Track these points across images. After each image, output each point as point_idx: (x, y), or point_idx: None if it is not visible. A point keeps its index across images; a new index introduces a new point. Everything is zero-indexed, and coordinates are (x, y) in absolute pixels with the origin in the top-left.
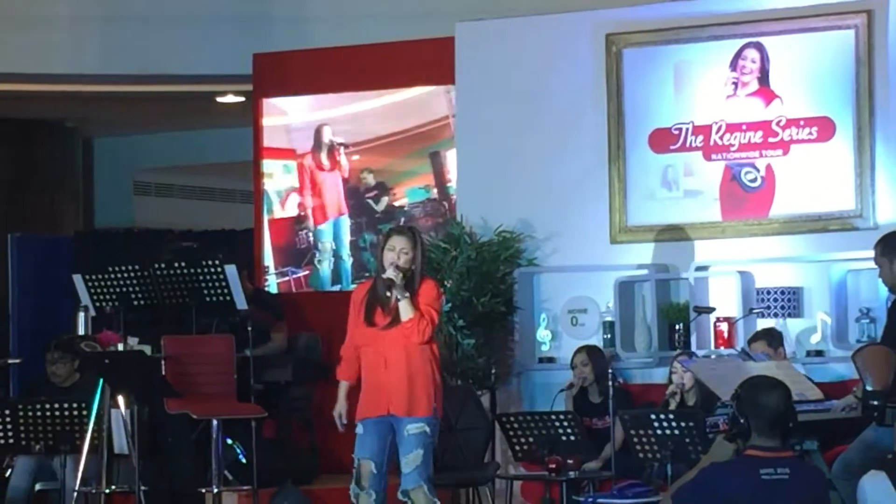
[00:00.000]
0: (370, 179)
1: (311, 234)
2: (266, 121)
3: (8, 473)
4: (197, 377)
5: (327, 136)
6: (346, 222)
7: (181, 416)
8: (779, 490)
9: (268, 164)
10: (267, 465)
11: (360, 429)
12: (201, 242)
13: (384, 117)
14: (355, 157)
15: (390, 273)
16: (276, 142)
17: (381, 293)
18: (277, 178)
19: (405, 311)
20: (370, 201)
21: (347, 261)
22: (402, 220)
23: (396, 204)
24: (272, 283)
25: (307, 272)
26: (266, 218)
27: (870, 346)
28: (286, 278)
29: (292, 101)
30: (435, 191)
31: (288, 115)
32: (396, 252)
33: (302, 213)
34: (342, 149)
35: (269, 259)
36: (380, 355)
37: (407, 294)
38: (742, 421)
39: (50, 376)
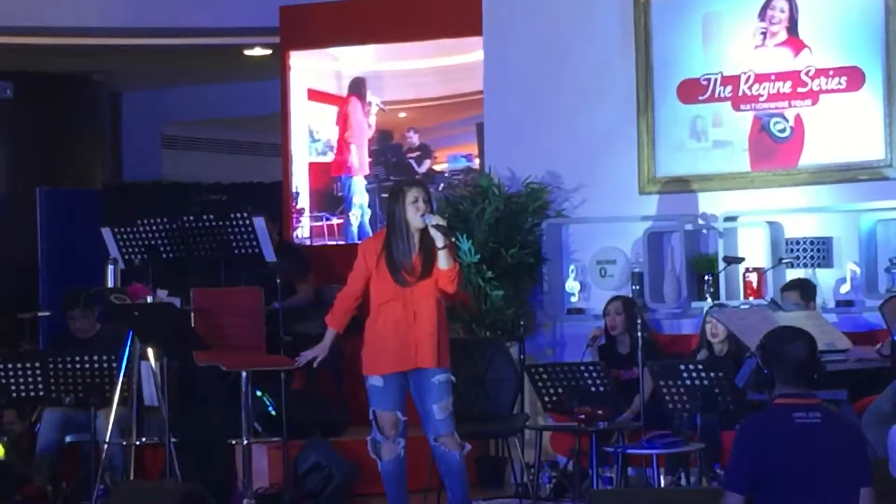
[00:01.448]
0: (415, 139)
1: (344, 185)
2: (317, 63)
3: (37, 427)
4: (226, 329)
5: (368, 92)
6: (362, 182)
7: (211, 368)
8: (814, 433)
9: (315, 107)
10: (296, 416)
11: (378, 381)
12: (229, 195)
13: (437, 79)
14: (402, 115)
15: (437, 219)
16: (326, 87)
17: (404, 249)
18: (322, 121)
19: (446, 259)
20: (412, 161)
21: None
22: (441, 185)
23: (437, 168)
24: (305, 227)
25: (341, 220)
26: (307, 161)
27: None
28: (320, 223)
29: (347, 51)
30: (477, 161)
31: (339, 62)
32: (420, 202)
33: (338, 160)
34: (375, 108)
35: (305, 201)
36: (409, 310)
37: (452, 239)
38: (766, 371)
39: (74, 332)
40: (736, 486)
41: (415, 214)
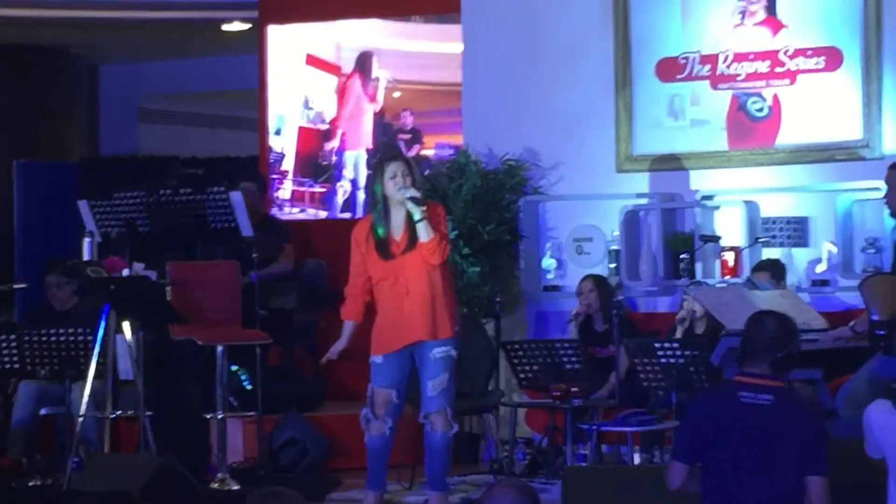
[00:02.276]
0: (408, 122)
1: (335, 155)
2: (315, 28)
3: (13, 398)
4: (202, 303)
5: (375, 67)
6: (363, 157)
7: (186, 342)
8: (761, 414)
9: (312, 73)
10: (272, 391)
11: (378, 359)
12: (206, 169)
13: (438, 65)
14: (396, 94)
15: (412, 192)
16: (324, 54)
17: (384, 224)
18: (316, 87)
19: (425, 231)
20: (402, 143)
21: (361, 192)
22: (426, 171)
23: (423, 153)
24: (287, 189)
25: (323, 189)
26: (297, 124)
27: (877, 275)
28: (302, 188)
29: (349, 24)
30: None
31: (338, 33)
32: (399, 177)
33: (331, 130)
34: (384, 83)
35: (289, 164)
36: (401, 285)
37: (427, 214)
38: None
39: (50, 299)
40: (680, 456)
41: (394, 189)
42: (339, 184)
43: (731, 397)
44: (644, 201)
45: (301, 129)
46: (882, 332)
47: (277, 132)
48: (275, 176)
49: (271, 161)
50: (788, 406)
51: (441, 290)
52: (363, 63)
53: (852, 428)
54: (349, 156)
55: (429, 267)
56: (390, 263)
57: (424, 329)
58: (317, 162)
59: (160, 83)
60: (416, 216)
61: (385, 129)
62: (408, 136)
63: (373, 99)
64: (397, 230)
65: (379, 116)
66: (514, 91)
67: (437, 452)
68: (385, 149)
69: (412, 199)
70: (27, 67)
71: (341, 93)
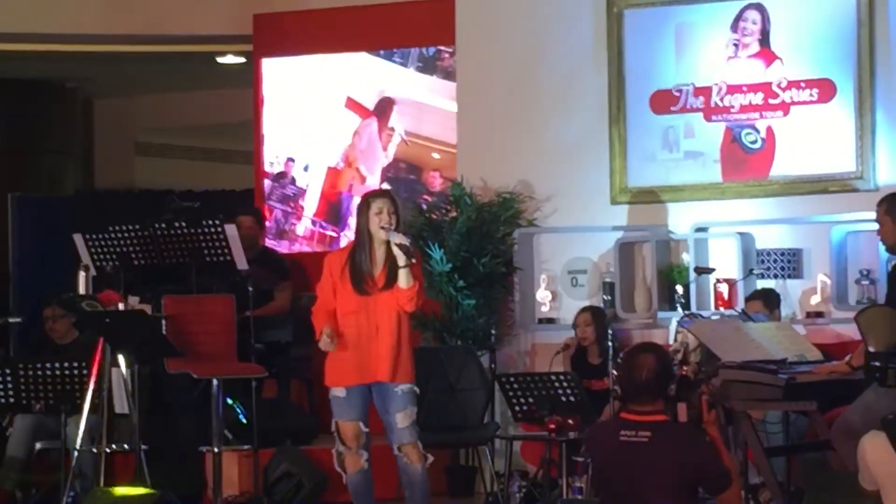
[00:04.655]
0: (437, 184)
1: (344, 202)
2: (354, 73)
3: (8, 432)
4: (197, 337)
5: (394, 118)
6: None
7: (182, 375)
8: (638, 452)
9: (349, 116)
10: (267, 425)
11: (341, 392)
12: (202, 202)
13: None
14: (436, 156)
15: (401, 238)
16: (364, 99)
17: (365, 260)
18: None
19: (406, 278)
20: (423, 203)
21: None
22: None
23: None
24: (302, 226)
25: (335, 235)
26: (327, 165)
27: (872, 307)
28: (314, 227)
29: (370, 60)
30: None
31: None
32: (385, 214)
33: (344, 177)
34: (398, 136)
35: (312, 203)
36: (371, 323)
37: (413, 260)
38: (620, 382)
39: (49, 332)
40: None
41: (377, 226)
42: (343, 232)
43: (612, 436)
44: (638, 233)
45: (330, 169)
46: (877, 364)
47: (306, 168)
48: (288, 209)
49: (291, 193)
50: (666, 440)
51: (407, 334)
52: (383, 109)
53: (847, 460)
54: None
55: (400, 310)
56: (364, 299)
57: (388, 372)
58: (337, 207)
59: (155, 117)
60: (401, 262)
61: (409, 186)
62: (432, 199)
63: (384, 148)
64: (377, 267)
65: (386, 170)
66: (509, 123)
67: (417, 485)
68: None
69: (400, 245)
70: (23, 101)
71: (357, 136)
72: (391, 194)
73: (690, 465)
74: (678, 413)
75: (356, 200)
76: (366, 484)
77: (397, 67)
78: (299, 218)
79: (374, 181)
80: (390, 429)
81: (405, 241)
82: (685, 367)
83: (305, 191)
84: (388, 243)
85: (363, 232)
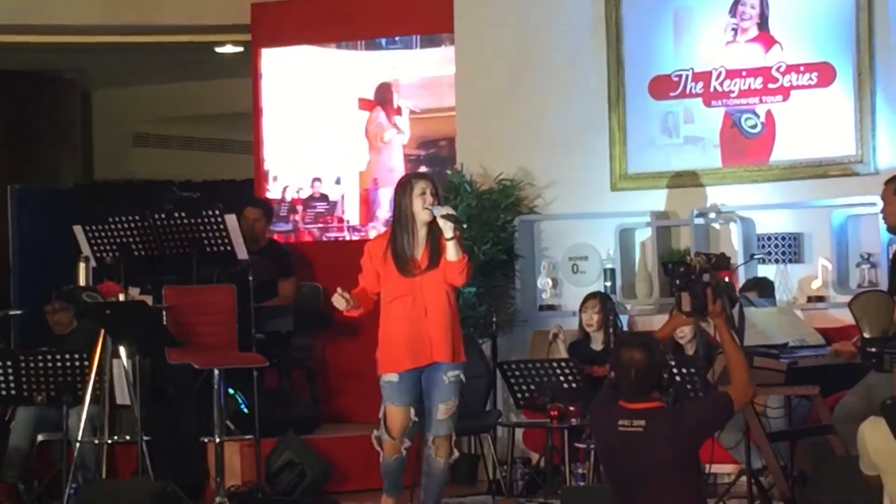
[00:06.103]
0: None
1: (371, 196)
2: (361, 71)
3: (10, 425)
4: (198, 327)
5: (396, 98)
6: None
7: (183, 366)
8: (634, 442)
9: (361, 115)
10: (268, 414)
11: (394, 377)
12: (201, 193)
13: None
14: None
15: (447, 209)
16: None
17: (408, 241)
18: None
19: (455, 250)
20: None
21: None
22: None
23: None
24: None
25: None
26: (359, 170)
27: (865, 293)
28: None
29: (372, 55)
30: None
31: (366, 64)
32: (428, 194)
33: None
34: (407, 111)
35: (353, 207)
36: (418, 305)
37: (465, 225)
38: (613, 374)
39: (53, 326)
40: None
41: (421, 207)
42: (371, 224)
43: (611, 425)
44: (639, 219)
45: (361, 174)
46: (873, 349)
47: (338, 181)
48: (322, 225)
49: (323, 209)
50: (659, 428)
51: (456, 312)
52: (382, 95)
53: (848, 444)
54: (384, 194)
55: (447, 288)
56: (409, 281)
57: (446, 351)
58: (371, 206)
59: (154, 107)
60: (449, 234)
61: (431, 160)
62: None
63: (399, 131)
64: (419, 249)
65: (429, 146)
66: (508, 110)
67: (437, 478)
68: None
69: (448, 215)
70: (21, 93)
71: (366, 130)
72: (430, 176)
73: (686, 431)
74: (681, 303)
75: (382, 192)
76: (400, 469)
77: (399, 52)
78: (340, 230)
79: (398, 163)
80: (428, 415)
81: (451, 211)
82: (690, 258)
83: (338, 202)
84: (428, 224)
85: (405, 213)
